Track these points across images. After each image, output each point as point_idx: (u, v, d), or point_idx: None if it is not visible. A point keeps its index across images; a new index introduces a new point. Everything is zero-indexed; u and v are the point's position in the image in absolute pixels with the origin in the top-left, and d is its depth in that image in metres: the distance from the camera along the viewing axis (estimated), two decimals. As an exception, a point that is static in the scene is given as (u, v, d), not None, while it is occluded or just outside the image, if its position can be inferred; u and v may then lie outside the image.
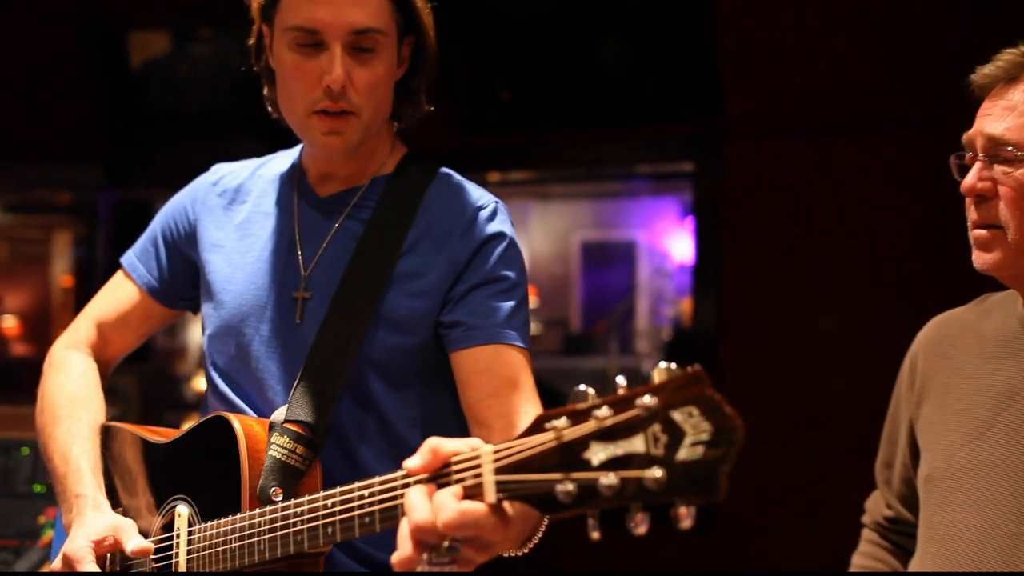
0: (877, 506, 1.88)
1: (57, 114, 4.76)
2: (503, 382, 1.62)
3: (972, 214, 1.59)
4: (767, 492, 3.80)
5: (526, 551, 1.44)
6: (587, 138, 4.31)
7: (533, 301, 9.64)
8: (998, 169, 1.55)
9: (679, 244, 9.14)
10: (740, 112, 3.84)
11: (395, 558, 1.20)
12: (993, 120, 1.56)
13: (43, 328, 5.81)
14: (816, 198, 3.78)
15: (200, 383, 5.68)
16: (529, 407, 1.61)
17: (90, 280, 4.87)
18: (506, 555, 1.40)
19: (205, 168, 1.96)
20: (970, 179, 1.58)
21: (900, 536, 1.82)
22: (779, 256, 3.83)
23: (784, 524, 3.78)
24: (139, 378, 3.58)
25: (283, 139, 1.82)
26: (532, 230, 10.07)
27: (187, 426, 1.75)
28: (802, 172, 3.80)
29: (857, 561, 1.88)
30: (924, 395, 1.73)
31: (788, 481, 3.77)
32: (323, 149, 1.73)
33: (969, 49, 3.45)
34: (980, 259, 1.59)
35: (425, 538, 1.17)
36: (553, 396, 5.23)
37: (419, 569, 1.18)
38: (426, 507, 1.17)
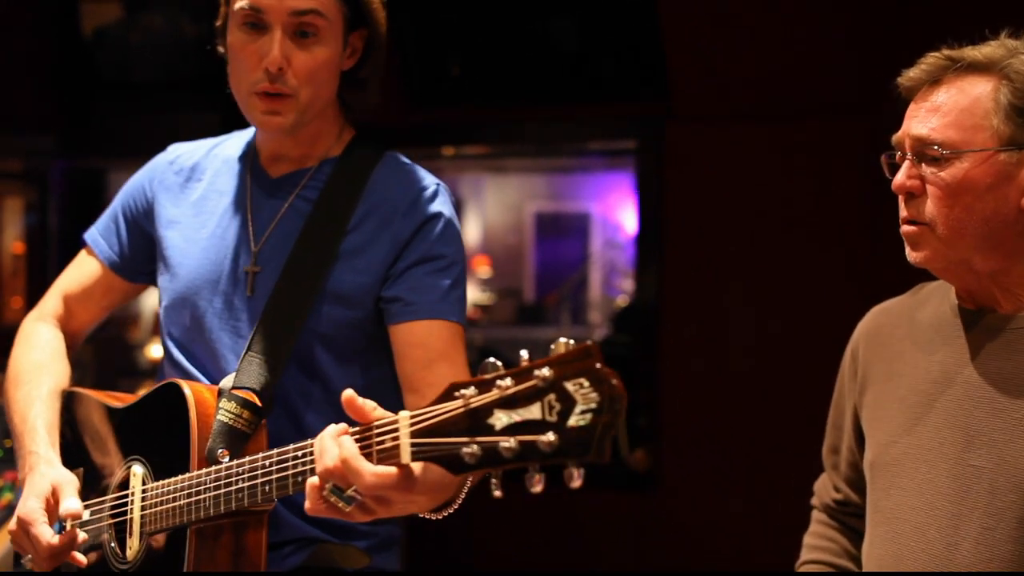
0: (826, 489, 1.94)
1: (9, 82, 4.78)
2: (436, 355, 1.75)
3: (903, 211, 1.66)
4: (706, 460, 3.93)
5: (442, 516, 1.56)
6: (535, 115, 4.40)
7: (486, 271, 9.78)
8: (926, 168, 1.61)
9: (631, 216, 9.26)
10: (684, 93, 3.94)
11: (306, 506, 1.37)
12: (919, 121, 1.62)
13: (-6, 294, 5.83)
14: (756, 180, 3.89)
15: (153, 351, 5.74)
16: (456, 379, 1.73)
17: (42, 247, 4.90)
18: (422, 515, 1.52)
19: (156, 137, 2.05)
20: (900, 178, 1.65)
21: (849, 517, 1.89)
22: (719, 235, 3.94)
23: (722, 492, 3.91)
24: (95, 346, 3.66)
25: (235, 109, 1.89)
26: (486, 201, 10.17)
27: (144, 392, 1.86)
28: (743, 154, 3.90)
29: (809, 541, 1.95)
30: (866, 383, 1.81)
31: (726, 449, 3.90)
32: (261, 128, 1.83)
33: (910, 34, 3.58)
34: (911, 254, 1.66)
35: (335, 482, 1.31)
36: (506, 366, 5.31)
37: (324, 493, 1.33)
38: (337, 452, 1.31)
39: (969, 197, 1.59)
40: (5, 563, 2.16)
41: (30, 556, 1.75)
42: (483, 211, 10.12)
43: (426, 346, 1.75)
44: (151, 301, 5.90)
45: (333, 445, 1.34)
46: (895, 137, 1.68)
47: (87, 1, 4.86)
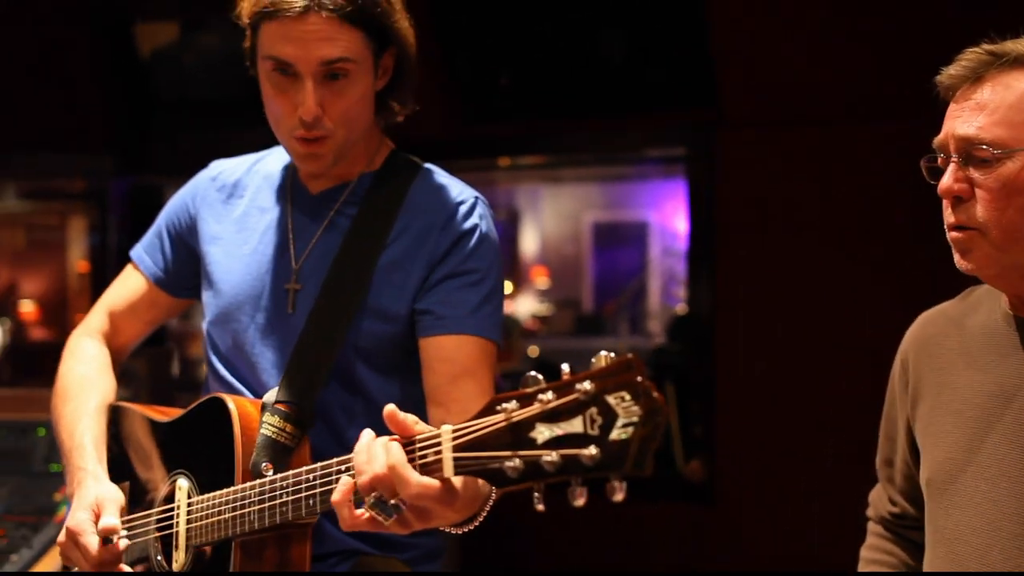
0: (881, 501, 1.89)
1: (68, 104, 4.88)
2: (461, 370, 1.75)
3: (949, 216, 1.59)
4: (762, 471, 3.89)
5: (465, 531, 1.55)
6: (586, 126, 4.40)
7: (544, 282, 9.76)
8: (973, 170, 1.54)
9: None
10: (733, 100, 3.91)
11: (342, 522, 1.37)
12: (964, 121, 1.55)
13: (60, 313, 5.94)
14: (807, 185, 3.85)
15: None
16: (483, 396, 1.71)
17: (104, 265, 4.99)
18: (447, 529, 1.51)
19: (212, 154, 2.08)
20: (946, 181, 1.57)
21: (906, 529, 1.84)
22: (771, 242, 3.90)
23: (775, 502, 3.87)
24: (149, 360, 3.71)
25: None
26: (543, 212, 10.16)
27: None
28: (794, 160, 3.87)
29: (866, 555, 1.90)
30: (918, 396, 1.74)
31: (782, 459, 3.85)
32: (303, 167, 1.86)
33: (963, 40, 3.51)
34: (961, 262, 1.59)
35: (378, 488, 1.30)
36: (548, 380, 5.28)
37: (365, 507, 1.33)
38: (383, 460, 1.31)
39: (1022, 198, 1.52)
40: None
41: (77, 568, 1.77)
42: (540, 222, 10.12)
43: (453, 361, 1.76)
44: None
45: (382, 451, 1.34)
46: (937, 139, 1.60)
47: (143, 22, 4.95)
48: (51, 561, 2.69)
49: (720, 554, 3.97)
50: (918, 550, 1.79)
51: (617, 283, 9.86)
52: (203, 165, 2.08)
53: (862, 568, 1.89)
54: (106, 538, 1.73)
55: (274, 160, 1.99)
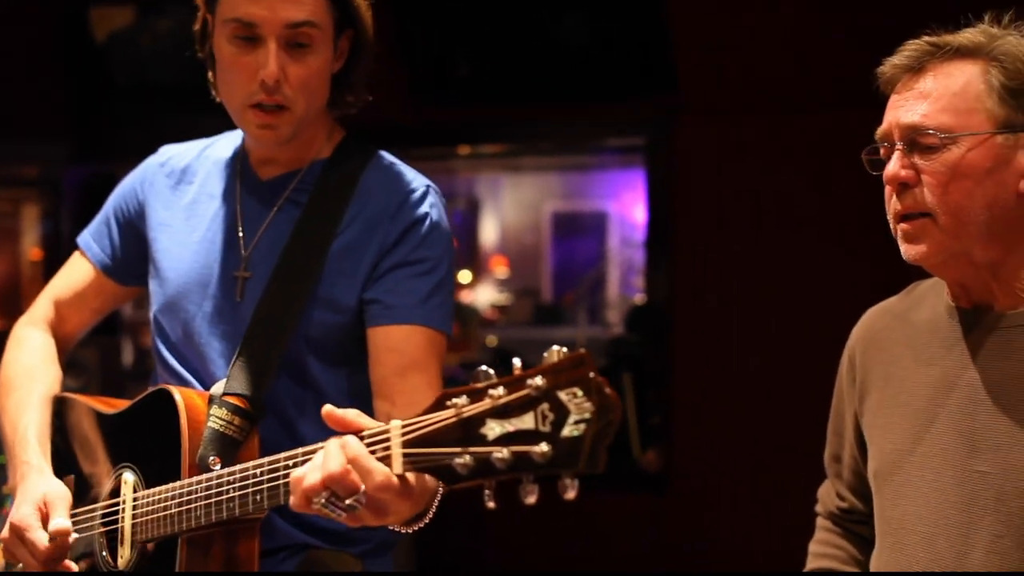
0: (829, 496, 1.90)
1: (21, 89, 4.79)
2: (409, 362, 1.72)
3: (896, 205, 1.60)
4: (718, 461, 3.91)
5: (413, 529, 1.53)
6: (545, 114, 4.39)
7: (504, 271, 9.76)
8: (918, 157, 1.56)
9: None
10: (693, 89, 3.92)
11: (293, 501, 1.33)
12: (908, 110, 1.57)
13: (13, 301, 5.85)
14: (767, 174, 3.87)
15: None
16: (431, 389, 1.70)
17: (58, 253, 4.92)
18: (394, 528, 1.49)
19: (170, 141, 2.04)
20: (892, 168, 1.58)
21: (855, 524, 1.85)
22: (729, 232, 3.92)
23: (734, 492, 3.89)
24: (100, 350, 3.66)
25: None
26: (503, 201, 10.14)
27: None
28: (753, 149, 3.89)
29: (815, 549, 1.90)
30: (865, 390, 1.76)
31: (738, 449, 3.87)
32: (257, 141, 1.81)
33: (924, 27, 3.53)
34: (911, 251, 1.59)
35: (334, 488, 1.28)
36: (524, 367, 5.29)
37: (314, 505, 1.30)
38: (342, 459, 1.29)
39: (968, 182, 1.54)
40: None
41: (21, 564, 1.73)
42: (500, 211, 10.10)
43: (401, 352, 1.73)
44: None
45: (339, 451, 1.31)
46: (880, 130, 1.62)
47: (98, 6, 4.87)
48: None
49: (675, 544, 3.99)
50: (866, 544, 1.80)
51: (576, 273, 9.86)
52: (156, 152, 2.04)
53: (811, 563, 1.90)
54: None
55: (224, 145, 1.95)
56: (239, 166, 1.90)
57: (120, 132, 4.87)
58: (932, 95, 1.57)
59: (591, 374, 1.09)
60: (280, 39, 1.71)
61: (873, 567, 1.73)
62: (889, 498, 1.67)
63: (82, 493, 1.81)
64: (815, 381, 3.66)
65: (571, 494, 1.09)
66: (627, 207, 9.59)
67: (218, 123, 2.00)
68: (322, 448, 1.35)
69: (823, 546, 1.89)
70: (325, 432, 1.76)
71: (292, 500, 1.34)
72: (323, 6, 1.74)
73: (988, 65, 1.55)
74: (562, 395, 1.09)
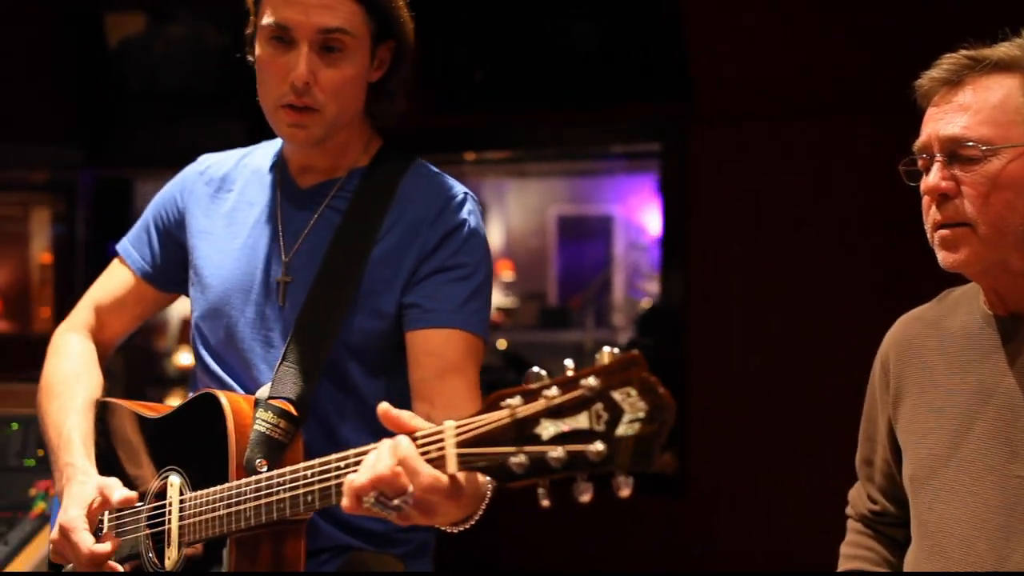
0: (861, 499, 1.92)
1: (35, 94, 4.82)
2: (448, 365, 1.75)
3: (935, 215, 1.63)
4: (733, 463, 3.93)
5: (462, 529, 1.54)
6: (558, 119, 4.41)
7: (509, 275, 9.77)
8: (958, 168, 1.60)
9: (654, 218, 9.24)
10: (706, 94, 3.94)
11: (345, 502, 1.36)
12: (948, 122, 1.61)
13: (24, 304, 5.88)
14: (780, 179, 3.89)
15: (181, 359, 5.79)
16: (469, 392, 1.74)
17: (69, 257, 4.94)
18: (444, 529, 1.51)
19: (181, 147, 2.07)
20: (933, 179, 1.62)
21: (886, 527, 1.88)
22: (744, 235, 3.94)
23: (746, 495, 3.90)
24: (125, 355, 3.69)
25: (260, 119, 1.90)
26: (508, 205, 10.17)
27: (177, 402, 1.87)
28: (766, 154, 3.91)
29: (846, 551, 1.93)
30: (900, 396, 1.78)
31: (753, 452, 3.89)
32: (288, 140, 1.85)
33: (933, 33, 3.56)
34: (948, 258, 1.62)
35: (382, 488, 1.30)
36: (538, 371, 5.30)
37: (364, 505, 1.33)
38: (391, 460, 1.31)
39: (1009, 193, 1.58)
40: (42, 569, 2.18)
41: (71, 565, 1.76)
42: (506, 215, 10.13)
43: (440, 355, 1.76)
44: (177, 309, 5.94)
45: (389, 453, 1.34)
46: (919, 142, 1.65)
47: (111, 13, 4.90)
48: (26, 557, 2.66)
49: (690, 546, 4.01)
50: (897, 546, 1.83)
51: (581, 276, 9.88)
52: (171, 157, 2.06)
53: (843, 564, 1.92)
54: (97, 534, 1.73)
55: (263, 154, 1.99)
56: (278, 174, 1.93)
57: (132, 137, 4.91)
58: (972, 108, 1.60)
59: (645, 374, 1.11)
60: (313, 43, 1.74)
61: (908, 569, 1.75)
62: (926, 502, 1.69)
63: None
64: (830, 383, 3.71)
65: (626, 492, 1.12)
66: (633, 211, 9.62)
67: (228, 130, 2.03)
68: (374, 449, 1.37)
69: (855, 548, 1.91)
70: (365, 436, 1.78)
71: (344, 501, 1.37)
72: (359, 15, 1.77)
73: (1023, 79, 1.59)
74: (616, 395, 1.12)
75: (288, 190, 1.90)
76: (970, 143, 1.58)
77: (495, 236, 10.06)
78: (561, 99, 4.34)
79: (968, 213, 1.59)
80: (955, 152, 1.60)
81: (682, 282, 4.09)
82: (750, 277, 3.94)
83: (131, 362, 4.01)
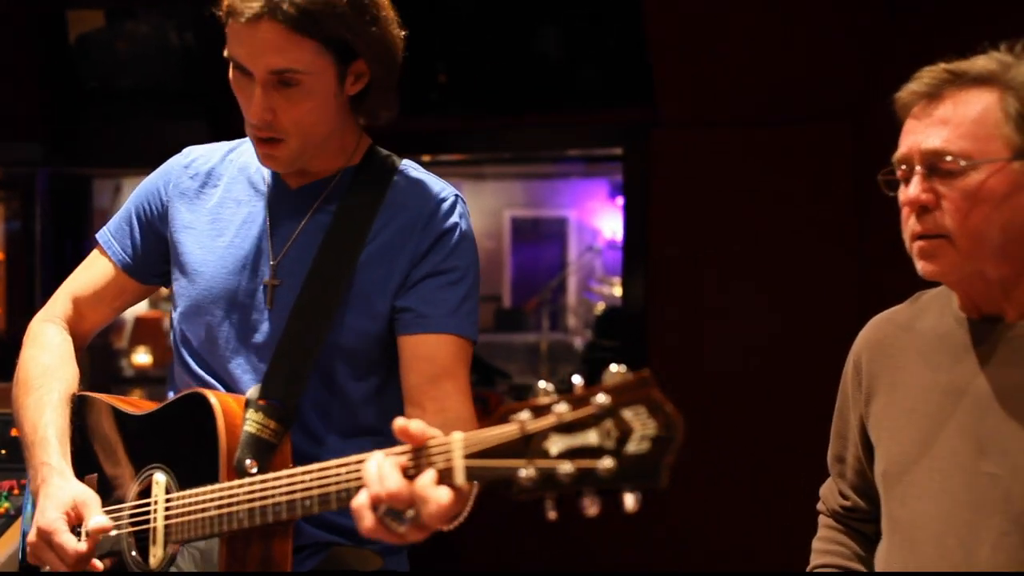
0: (832, 495, 1.95)
1: (-4, 91, 4.76)
2: (441, 370, 1.76)
3: (914, 226, 1.65)
4: (696, 462, 3.96)
5: (453, 527, 1.57)
6: (522, 123, 4.44)
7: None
8: (938, 181, 1.62)
9: (609, 222, 9.30)
10: (668, 100, 3.99)
11: (364, 527, 1.37)
12: (928, 136, 1.63)
13: (-24, 300, 5.79)
14: (740, 185, 3.95)
15: (137, 358, 5.73)
16: (460, 395, 1.76)
17: (25, 255, 4.88)
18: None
19: (141, 145, 2.04)
20: (913, 191, 1.64)
21: (857, 522, 1.91)
22: (704, 239, 3.99)
23: (713, 493, 3.94)
24: (91, 353, 3.65)
25: (221, 118, 1.89)
26: (464, 207, 10.16)
27: (157, 400, 1.87)
28: (727, 160, 3.96)
29: (818, 546, 1.96)
30: (872, 394, 1.82)
31: (716, 451, 3.93)
32: (264, 165, 1.85)
33: (891, 42, 3.64)
34: (927, 268, 1.66)
35: (391, 505, 1.32)
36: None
37: (380, 516, 1.35)
38: (399, 478, 1.33)
39: (987, 207, 1.61)
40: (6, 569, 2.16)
41: (48, 567, 1.74)
42: (460, 216, 10.12)
43: (433, 360, 1.77)
44: (131, 309, 5.88)
45: (394, 471, 1.35)
46: (899, 154, 1.68)
47: (72, 9, 4.84)
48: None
49: (656, 544, 4.04)
50: (868, 541, 1.88)
51: (536, 279, 9.93)
52: (131, 155, 2.03)
53: (814, 559, 1.96)
54: (77, 533, 1.71)
55: (249, 151, 1.95)
56: (267, 173, 1.92)
57: (92, 135, 4.85)
58: (952, 122, 1.63)
59: (655, 393, 1.14)
60: (266, 83, 1.72)
61: (880, 565, 1.80)
62: (898, 498, 1.74)
63: (105, 493, 1.81)
64: (791, 382, 3.77)
65: (632, 507, 1.14)
66: (587, 214, 9.69)
67: (190, 128, 2.02)
68: (374, 460, 1.39)
69: (826, 543, 1.95)
70: (348, 439, 1.81)
71: (361, 524, 1.38)
72: (312, 51, 1.72)
73: (1004, 93, 1.62)
74: (626, 413, 1.15)
75: (277, 190, 1.90)
76: (950, 157, 1.62)
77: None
78: (524, 103, 4.37)
79: (947, 225, 1.63)
80: (935, 165, 1.63)
81: (643, 284, 4.14)
82: (709, 280, 3.99)
83: (92, 360, 3.96)
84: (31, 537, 1.75)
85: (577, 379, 1.20)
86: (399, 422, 1.35)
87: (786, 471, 3.78)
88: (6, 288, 5.28)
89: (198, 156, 2.00)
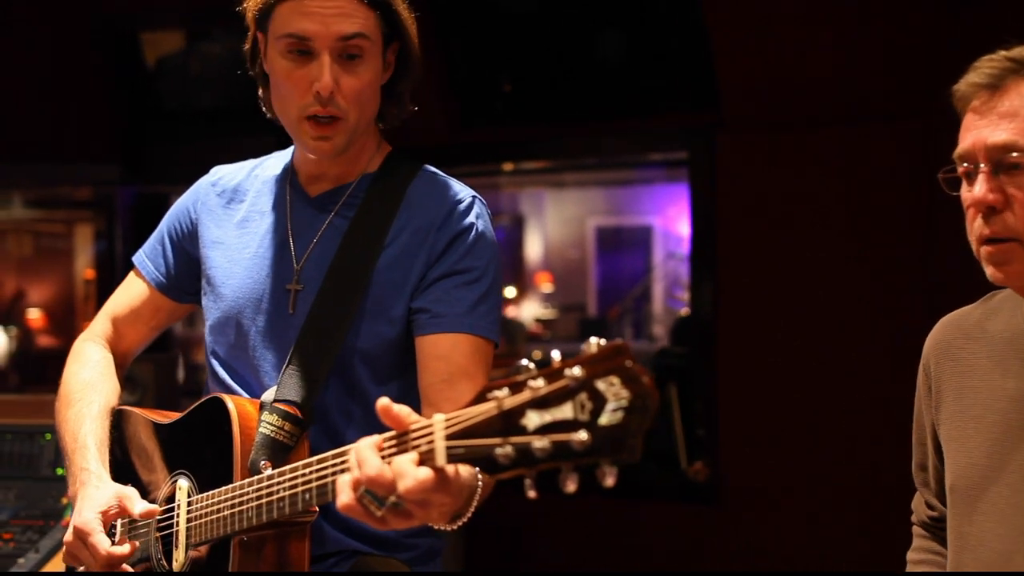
0: (920, 506, 1.88)
1: (76, 113, 4.92)
2: (457, 370, 1.75)
3: (981, 228, 1.55)
4: (764, 471, 3.91)
5: (455, 527, 1.53)
6: (586, 130, 4.42)
7: (549, 287, 9.78)
8: (1005, 178, 1.52)
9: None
10: (733, 103, 3.93)
11: (340, 502, 1.36)
12: (994, 129, 1.53)
13: (67, 319, 5.99)
14: (808, 187, 3.87)
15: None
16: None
17: (111, 272, 5.03)
18: (436, 527, 1.50)
19: (217, 162, 2.10)
20: (980, 191, 1.53)
21: (947, 532, 1.79)
22: (773, 244, 3.92)
23: (782, 503, 3.87)
24: (155, 366, 3.74)
25: (288, 134, 1.93)
26: (547, 217, 10.19)
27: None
28: (793, 162, 3.89)
29: (912, 557, 1.89)
30: (940, 400, 1.74)
31: (785, 460, 3.86)
32: (313, 152, 1.85)
33: (957, 38, 3.54)
34: (997, 274, 1.56)
35: (374, 490, 1.31)
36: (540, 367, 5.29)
37: (361, 501, 1.33)
38: (378, 462, 1.33)
39: None
40: None
41: (84, 568, 1.79)
42: (544, 227, 10.15)
43: (448, 360, 1.76)
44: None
45: (373, 454, 1.35)
46: (961, 149, 1.57)
47: (149, 31, 4.99)
48: (56, 565, 2.71)
49: (723, 555, 3.99)
50: None
51: (621, 287, 9.88)
52: (206, 172, 2.10)
53: (910, 570, 1.88)
54: (112, 535, 1.76)
55: (273, 164, 2.01)
56: (289, 184, 1.95)
57: (169, 153, 4.99)
58: (1020, 114, 1.52)
59: (628, 363, 1.12)
60: (333, 52, 1.76)
61: None
62: (964, 513, 1.65)
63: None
64: (862, 390, 3.68)
65: (610, 481, 1.12)
66: (671, 221, 9.60)
67: (263, 145, 2.06)
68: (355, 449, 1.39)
69: (920, 553, 1.87)
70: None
71: (337, 501, 1.37)
72: (373, 19, 1.79)
73: None
74: (600, 384, 1.12)
75: (299, 199, 1.93)
76: (1017, 152, 1.51)
77: (534, 247, 10.08)
78: (588, 110, 4.35)
79: (1018, 228, 1.52)
80: (1001, 161, 1.52)
81: (712, 291, 4.08)
82: (779, 285, 3.91)
83: (165, 373, 4.06)
84: (68, 536, 1.80)
85: (555, 354, 1.18)
86: (382, 401, 1.35)
87: (856, 481, 3.70)
88: (96, 306, 5.45)
89: (224, 174, 2.05)
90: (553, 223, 10.20)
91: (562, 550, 4.17)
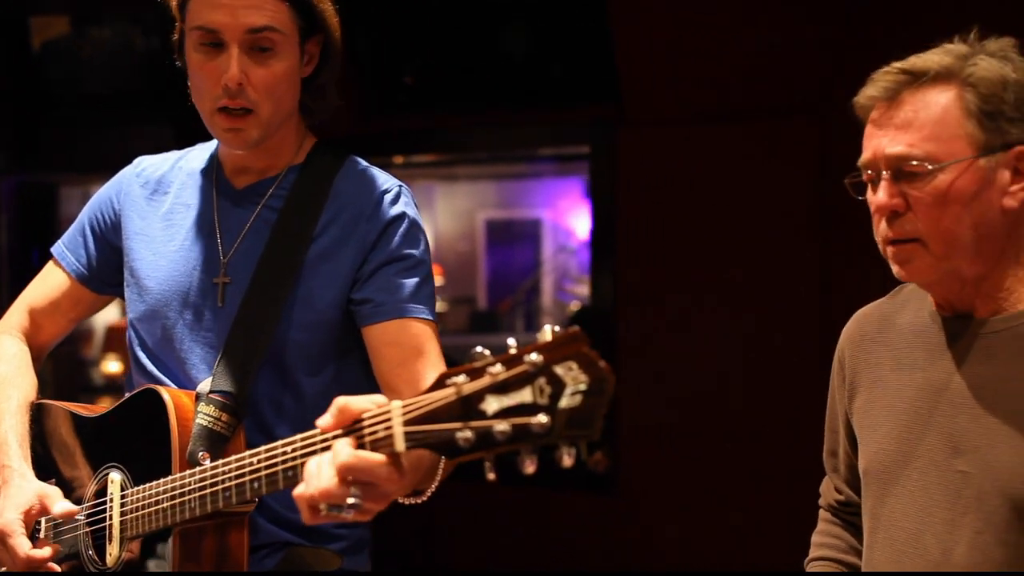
0: (828, 490, 1.95)
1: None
2: (410, 352, 1.79)
3: (885, 231, 1.64)
4: (663, 462, 3.99)
5: (421, 500, 1.56)
6: (489, 122, 4.45)
7: (439, 280, 9.77)
8: (906, 185, 1.60)
9: (583, 222, 9.31)
10: (635, 97, 4.00)
11: (304, 518, 1.37)
12: (892, 140, 1.61)
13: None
14: (708, 182, 3.96)
15: (109, 367, 5.71)
16: (432, 372, 1.75)
17: (-9, 261, 4.87)
18: (402, 501, 1.52)
19: (107, 151, 2.06)
20: (882, 198, 1.62)
21: (853, 516, 1.90)
22: (672, 237, 4.00)
23: (680, 492, 3.96)
24: (53, 363, 3.65)
25: (187, 122, 1.92)
26: (437, 210, 10.18)
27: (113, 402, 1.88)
28: (693, 157, 3.97)
29: (816, 539, 1.96)
30: (854, 390, 1.82)
31: (683, 450, 3.95)
32: (226, 144, 1.86)
33: (853, 37, 3.66)
34: (903, 272, 1.65)
35: (328, 502, 1.32)
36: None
37: (321, 513, 1.34)
38: (331, 471, 1.33)
39: (957, 207, 1.60)
40: None
41: (4, 568, 1.76)
42: (434, 219, 10.15)
43: (400, 344, 1.79)
44: (103, 317, 5.87)
45: (327, 466, 1.35)
46: (864, 159, 1.66)
47: (36, 15, 4.84)
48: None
49: (623, 543, 4.07)
50: (862, 534, 1.87)
51: (511, 280, 9.93)
52: (97, 162, 2.06)
53: (812, 552, 1.96)
54: (34, 537, 1.74)
55: (198, 156, 1.99)
56: (214, 176, 1.94)
57: (57, 141, 4.85)
58: (914, 124, 1.61)
59: (585, 348, 1.16)
60: (242, 44, 1.76)
61: (865, 563, 1.80)
62: (877, 495, 1.74)
63: (64, 497, 1.82)
64: (759, 381, 3.79)
65: (568, 462, 1.16)
66: (561, 214, 9.70)
67: (156, 133, 2.04)
68: (318, 434, 1.40)
69: (824, 536, 1.96)
70: (302, 432, 1.80)
71: (302, 516, 1.38)
72: (286, 12, 1.79)
73: (962, 90, 1.60)
74: (558, 369, 1.16)
75: (224, 191, 1.92)
76: (915, 161, 1.60)
77: (424, 241, 10.01)
78: (490, 102, 4.38)
79: (919, 229, 1.62)
80: (901, 169, 1.62)
81: (611, 283, 4.15)
82: (677, 278, 4.00)
83: (59, 369, 3.96)
84: None
85: (512, 341, 1.22)
86: (339, 400, 1.36)
87: (751, 469, 3.81)
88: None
89: (148, 165, 2.02)
90: (443, 216, 10.21)
91: (464, 537, 4.21)
